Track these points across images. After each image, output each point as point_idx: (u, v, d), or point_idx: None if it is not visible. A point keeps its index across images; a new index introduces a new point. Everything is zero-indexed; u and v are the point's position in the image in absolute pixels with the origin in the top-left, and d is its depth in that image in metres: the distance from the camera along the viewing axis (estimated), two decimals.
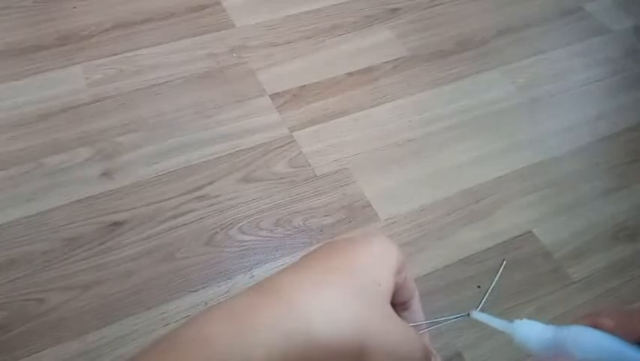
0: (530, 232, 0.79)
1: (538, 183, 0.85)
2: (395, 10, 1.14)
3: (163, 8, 1.10)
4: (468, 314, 0.35)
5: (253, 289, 0.26)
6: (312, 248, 0.29)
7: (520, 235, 0.78)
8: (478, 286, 0.72)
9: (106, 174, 0.83)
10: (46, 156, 0.85)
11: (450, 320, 0.36)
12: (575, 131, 0.94)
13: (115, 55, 1.01)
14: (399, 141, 0.90)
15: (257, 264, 0.74)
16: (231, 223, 0.78)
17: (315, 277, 0.27)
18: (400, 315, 0.33)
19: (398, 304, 0.33)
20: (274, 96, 0.96)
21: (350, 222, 0.79)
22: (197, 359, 0.22)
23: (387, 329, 0.27)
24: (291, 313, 0.25)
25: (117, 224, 0.77)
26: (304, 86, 0.98)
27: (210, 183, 0.83)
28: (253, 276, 0.73)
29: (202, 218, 0.78)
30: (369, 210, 0.80)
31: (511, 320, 0.30)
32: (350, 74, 1.00)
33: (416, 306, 0.35)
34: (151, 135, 0.89)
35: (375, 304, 0.27)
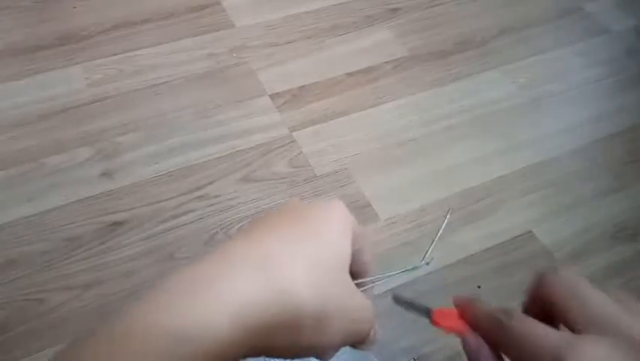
0: (530, 232, 0.79)
1: (538, 183, 0.85)
2: (395, 10, 1.14)
3: (163, 8, 1.10)
4: (414, 267, 0.35)
5: (216, 255, 0.26)
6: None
7: (520, 235, 0.78)
8: (479, 287, 0.72)
9: (106, 174, 0.83)
10: (46, 156, 0.85)
11: (395, 275, 0.35)
12: (575, 131, 0.94)
13: (115, 55, 1.01)
14: (399, 140, 0.90)
15: None
16: (231, 223, 0.78)
17: (281, 242, 0.27)
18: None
19: (353, 274, 0.33)
20: (274, 96, 0.96)
21: None
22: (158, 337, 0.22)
23: (346, 294, 0.27)
24: (258, 281, 0.25)
25: (117, 224, 0.77)
26: (304, 86, 0.98)
27: (210, 183, 0.83)
28: None
29: (202, 218, 0.78)
30: (369, 210, 0.80)
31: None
32: (350, 74, 1.00)
33: (370, 272, 0.35)
34: (151, 135, 0.88)
35: (335, 270, 0.27)
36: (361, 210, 0.80)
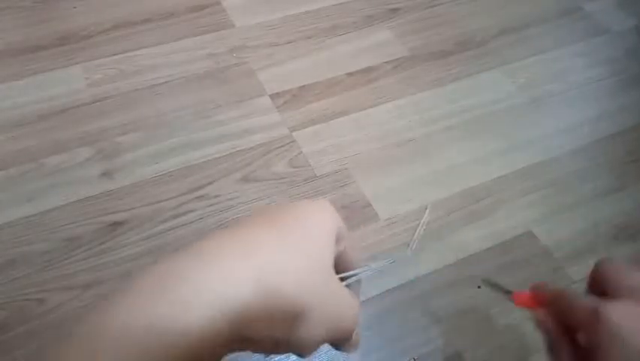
0: (530, 232, 0.79)
1: (538, 183, 0.85)
2: (395, 10, 1.14)
3: (163, 8, 1.10)
4: (393, 261, 0.38)
5: (190, 251, 0.25)
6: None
7: (520, 235, 0.78)
8: (479, 287, 0.72)
9: (106, 174, 0.83)
10: (46, 156, 0.85)
11: (377, 269, 0.36)
12: (575, 131, 0.94)
13: (115, 55, 1.01)
14: (399, 141, 0.90)
15: None
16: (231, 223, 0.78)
17: (262, 237, 0.27)
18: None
19: (340, 272, 0.33)
20: (274, 96, 0.96)
21: (350, 222, 0.79)
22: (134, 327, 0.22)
23: (329, 289, 0.27)
24: (233, 276, 0.24)
25: (117, 224, 0.77)
26: (304, 86, 0.98)
27: (210, 183, 0.83)
28: None
29: (202, 218, 0.78)
30: (370, 210, 0.80)
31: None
32: (350, 74, 1.00)
33: (354, 285, 0.35)
34: (151, 135, 0.89)
35: (317, 265, 0.27)
36: (361, 210, 0.80)
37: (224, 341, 0.24)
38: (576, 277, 0.74)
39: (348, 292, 0.29)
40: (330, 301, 0.27)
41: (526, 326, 0.68)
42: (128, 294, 0.23)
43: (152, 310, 0.22)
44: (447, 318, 0.69)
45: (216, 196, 0.81)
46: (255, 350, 0.27)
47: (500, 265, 0.75)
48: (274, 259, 0.26)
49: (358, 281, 0.35)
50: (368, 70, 1.01)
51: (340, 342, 0.31)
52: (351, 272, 0.33)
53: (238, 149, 0.87)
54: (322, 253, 0.28)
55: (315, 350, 0.29)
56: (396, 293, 0.71)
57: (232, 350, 0.26)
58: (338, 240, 0.30)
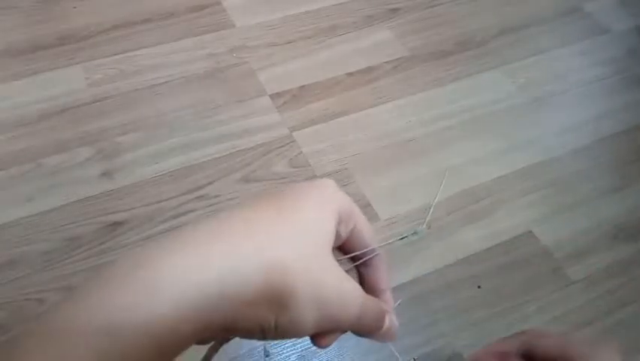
0: (530, 232, 0.79)
1: (538, 183, 0.85)
2: (395, 10, 1.14)
3: (163, 8, 1.10)
4: (415, 232, 0.36)
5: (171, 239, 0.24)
6: None
7: (520, 235, 0.78)
8: (479, 287, 0.72)
9: (106, 174, 0.83)
10: (46, 156, 0.85)
11: (393, 242, 0.35)
12: (575, 131, 0.94)
13: (115, 55, 1.01)
14: (399, 141, 0.90)
15: None
16: None
17: (247, 219, 0.26)
18: (360, 271, 0.32)
19: (356, 259, 0.31)
20: (274, 96, 0.96)
21: None
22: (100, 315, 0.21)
23: (320, 271, 0.26)
24: (209, 263, 0.23)
25: (117, 224, 0.77)
26: (304, 86, 0.98)
27: (210, 183, 0.83)
28: None
29: (202, 218, 0.78)
30: (370, 210, 0.80)
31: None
32: (350, 74, 1.00)
33: (377, 264, 0.33)
34: (151, 135, 0.89)
35: (310, 247, 0.26)
36: (361, 210, 0.80)
37: (191, 329, 0.22)
38: (576, 277, 0.74)
39: (344, 274, 0.28)
40: (322, 281, 0.26)
41: (526, 327, 0.68)
42: (95, 285, 0.22)
43: (116, 301, 0.21)
44: (447, 318, 0.69)
45: (216, 196, 0.81)
46: (243, 336, 0.25)
47: (500, 265, 0.75)
48: (253, 244, 0.25)
49: (376, 264, 0.33)
50: (368, 70, 1.01)
51: (359, 329, 0.29)
52: (357, 252, 0.32)
53: (238, 149, 0.87)
54: (316, 234, 0.26)
55: (306, 334, 0.27)
56: (396, 293, 0.71)
57: (210, 338, 0.25)
58: (343, 220, 0.29)
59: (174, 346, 0.22)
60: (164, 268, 0.23)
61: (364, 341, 0.68)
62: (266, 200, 0.27)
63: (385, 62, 1.03)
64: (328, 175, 0.84)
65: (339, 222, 0.29)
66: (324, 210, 0.28)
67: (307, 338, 0.28)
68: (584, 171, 0.87)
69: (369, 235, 0.32)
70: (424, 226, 0.34)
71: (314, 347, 0.67)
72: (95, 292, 0.22)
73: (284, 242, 0.25)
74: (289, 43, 1.06)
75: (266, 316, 0.24)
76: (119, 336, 0.21)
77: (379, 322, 0.30)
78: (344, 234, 0.30)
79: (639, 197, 0.84)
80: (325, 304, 0.26)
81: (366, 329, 0.30)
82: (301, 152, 0.87)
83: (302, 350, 0.66)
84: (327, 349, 0.67)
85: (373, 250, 0.33)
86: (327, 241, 0.27)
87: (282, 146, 0.88)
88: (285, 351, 0.66)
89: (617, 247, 0.78)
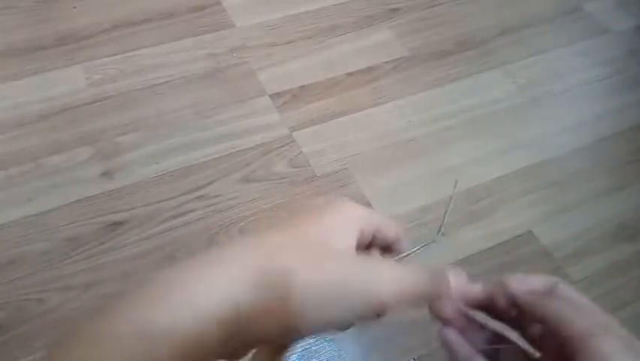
0: (530, 232, 0.79)
1: (538, 183, 0.85)
2: (395, 10, 1.14)
3: (163, 8, 1.10)
4: (433, 241, 0.38)
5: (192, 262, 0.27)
6: None
7: (520, 235, 0.78)
8: None
9: (106, 174, 0.83)
10: (46, 156, 0.85)
11: (415, 250, 0.37)
12: (575, 131, 0.93)
13: (115, 55, 1.01)
14: (399, 141, 0.90)
15: None
16: (231, 223, 0.78)
17: (273, 238, 0.28)
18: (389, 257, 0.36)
19: (383, 249, 0.35)
20: (274, 96, 0.96)
21: None
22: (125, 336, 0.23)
23: (321, 279, 0.27)
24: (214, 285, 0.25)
25: (117, 224, 0.77)
26: (304, 86, 0.98)
27: (210, 183, 0.83)
28: None
29: (202, 218, 0.78)
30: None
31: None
32: (350, 74, 1.00)
33: (400, 248, 0.37)
34: (151, 135, 0.88)
35: (314, 260, 0.27)
36: None
37: (217, 341, 0.24)
38: (576, 277, 0.74)
39: (371, 266, 0.29)
40: (346, 275, 0.27)
41: None
42: (131, 300, 0.25)
43: (146, 317, 0.24)
44: None
45: (216, 196, 0.81)
46: (266, 343, 0.28)
47: (500, 265, 0.75)
48: (280, 246, 0.27)
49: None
50: (368, 70, 1.01)
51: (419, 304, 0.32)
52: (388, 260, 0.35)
53: (238, 149, 0.87)
54: (334, 239, 0.29)
55: (326, 329, 0.28)
56: None
57: (238, 351, 0.26)
58: (361, 234, 0.31)
59: (200, 354, 0.24)
60: (188, 288, 0.25)
61: (364, 341, 0.68)
62: (286, 225, 0.29)
63: (385, 62, 1.03)
64: (328, 175, 0.84)
65: (360, 235, 0.31)
66: (348, 236, 0.30)
67: (307, 338, 0.29)
68: (584, 171, 0.87)
69: (390, 232, 0.35)
70: (440, 233, 0.34)
71: (314, 347, 0.67)
72: (133, 306, 0.24)
73: (303, 263, 0.27)
74: (289, 43, 1.06)
75: (282, 315, 0.26)
76: (149, 344, 0.23)
77: (432, 289, 0.32)
78: (366, 240, 0.33)
79: (639, 197, 0.84)
80: (332, 310, 0.27)
81: (427, 300, 0.33)
82: (301, 152, 0.87)
83: (302, 350, 0.66)
84: (327, 349, 0.67)
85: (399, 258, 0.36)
86: (348, 245, 0.30)
87: (282, 146, 0.88)
88: None
89: (617, 247, 0.78)
